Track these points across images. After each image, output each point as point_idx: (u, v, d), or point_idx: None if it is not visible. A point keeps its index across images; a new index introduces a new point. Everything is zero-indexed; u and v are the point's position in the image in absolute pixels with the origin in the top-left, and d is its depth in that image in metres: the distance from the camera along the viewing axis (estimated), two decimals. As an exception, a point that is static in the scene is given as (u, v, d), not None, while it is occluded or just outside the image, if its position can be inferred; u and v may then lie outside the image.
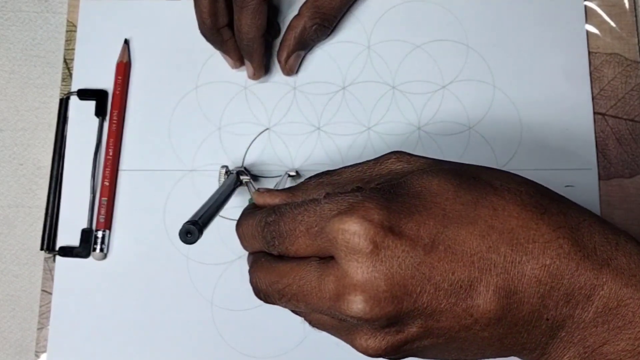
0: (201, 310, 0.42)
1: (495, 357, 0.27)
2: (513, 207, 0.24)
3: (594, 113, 0.43)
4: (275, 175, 0.43)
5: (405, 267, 0.24)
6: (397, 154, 0.29)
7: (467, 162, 0.29)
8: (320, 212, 0.26)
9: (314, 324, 0.29)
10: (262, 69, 0.43)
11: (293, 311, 0.29)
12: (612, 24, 0.44)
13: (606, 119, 0.43)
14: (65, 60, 0.46)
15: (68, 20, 0.46)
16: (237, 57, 0.43)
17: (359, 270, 0.24)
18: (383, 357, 0.26)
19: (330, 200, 0.26)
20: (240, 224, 0.30)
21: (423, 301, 0.24)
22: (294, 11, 0.43)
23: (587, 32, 0.44)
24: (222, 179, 0.41)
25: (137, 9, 0.46)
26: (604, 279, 0.24)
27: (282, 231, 0.27)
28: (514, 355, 0.27)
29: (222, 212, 0.37)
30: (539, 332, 0.25)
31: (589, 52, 0.44)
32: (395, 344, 0.25)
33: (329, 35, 0.44)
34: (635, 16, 0.44)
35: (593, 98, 0.43)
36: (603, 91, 0.43)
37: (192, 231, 0.31)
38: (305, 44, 0.43)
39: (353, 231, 0.24)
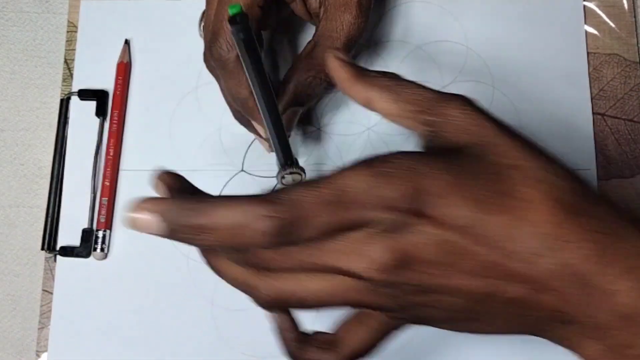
0: (201, 310, 0.42)
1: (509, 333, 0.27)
2: (548, 201, 0.24)
3: (593, 113, 0.43)
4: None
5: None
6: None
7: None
8: None
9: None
10: None
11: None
12: (611, 24, 0.44)
13: (605, 119, 0.43)
14: (65, 61, 0.46)
15: (69, 21, 0.46)
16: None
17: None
18: (387, 278, 0.24)
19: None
20: None
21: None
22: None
23: (586, 32, 0.44)
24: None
25: (138, 9, 0.46)
26: (622, 287, 0.24)
27: None
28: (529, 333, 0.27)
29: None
30: (548, 318, 0.25)
31: (588, 53, 0.44)
32: (402, 249, 0.24)
33: (332, 89, 0.40)
34: (635, 17, 0.44)
35: (592, 98, 0.43)
36: (602, 91, 0.43)
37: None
38: (302, 99, 0.38)
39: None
